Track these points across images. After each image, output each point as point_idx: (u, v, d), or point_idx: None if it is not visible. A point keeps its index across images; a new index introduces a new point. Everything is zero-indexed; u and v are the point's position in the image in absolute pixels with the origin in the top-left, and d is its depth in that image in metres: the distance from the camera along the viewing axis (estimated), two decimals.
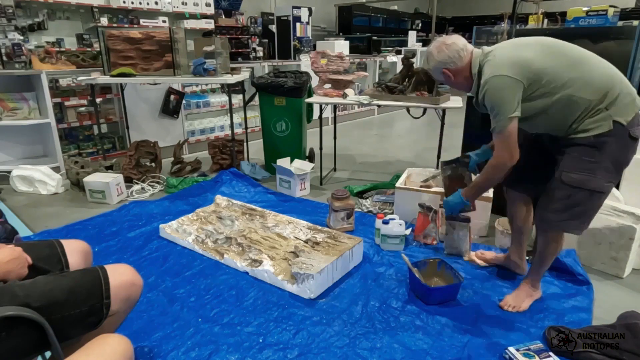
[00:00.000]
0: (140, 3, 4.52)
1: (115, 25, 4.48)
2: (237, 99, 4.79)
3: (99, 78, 3.55)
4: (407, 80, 3.34)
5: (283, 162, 3.43)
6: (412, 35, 8.46)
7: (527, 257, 2.34)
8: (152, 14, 4.77)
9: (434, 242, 2.53)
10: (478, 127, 2.99)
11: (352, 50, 7.21)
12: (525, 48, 1.65)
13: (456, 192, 1.96)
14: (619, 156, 1.59)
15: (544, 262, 1.88)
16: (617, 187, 2.34)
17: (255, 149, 4.68)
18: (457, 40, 1.77)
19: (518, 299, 1.92)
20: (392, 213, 2.81)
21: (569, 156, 1.64)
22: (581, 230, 1.74)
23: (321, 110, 3.65)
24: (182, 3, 4.93)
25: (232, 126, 3.71)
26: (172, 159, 4.08)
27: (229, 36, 5.67)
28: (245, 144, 4.28)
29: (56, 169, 3.74)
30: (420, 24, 10.25)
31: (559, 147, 1.70)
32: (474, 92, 1.78)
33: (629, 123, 1.55)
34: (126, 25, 4.53)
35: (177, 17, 5.05)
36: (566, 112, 1.60)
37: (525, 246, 2.17)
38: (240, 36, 6.04)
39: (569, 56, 1.61)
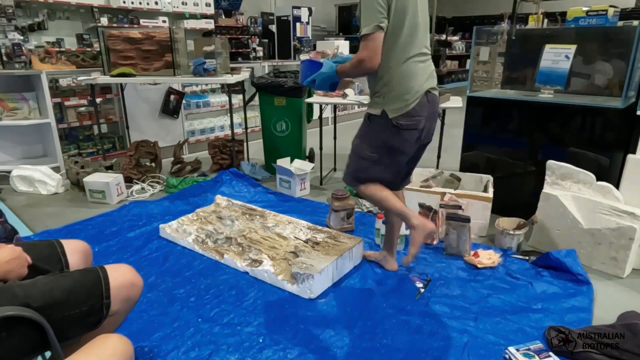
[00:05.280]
0: (140, 3, 4.52)
1: (115, 25, 4.48)
2: (237, 99, 4.79)
3: (99, 78, 3.55)
4: None
5: (283, 162, 3.43)
6: None
7: (526, 258, 2.34)
8: (152, 14, 4.77)
9: (434, 242, 2.53)
10: (478, 127, 2.99)
11: (352, 50, 7.18)
12: None
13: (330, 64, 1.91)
14: (384, 136, 1.83)
15: (379, 207, 2.16)
16: (617, 187, 2.34)
17: (255, 149, 4.68)
18: None
19: (416, 243, 1.87)
20: None
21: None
22: (353, 185, 1.98)
23: (321, 110, 3.65)
24: (182, 3, 4.93)
25: (232, 126, 3.71)
26: (172, 159, 4.08)
27: (229, 36, 5.67)
28: (245, 144, 4.28)
29: (56, 169, 3.74)
30: None
31: None
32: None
33: (395, 117, 1.78)
34: (126, 25, 4.53)
35: (177, 17, 5.05)
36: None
37: (395, 240, 2.26)
38: (240, 36, 6.04)
39: (416, 21, 1.75)
